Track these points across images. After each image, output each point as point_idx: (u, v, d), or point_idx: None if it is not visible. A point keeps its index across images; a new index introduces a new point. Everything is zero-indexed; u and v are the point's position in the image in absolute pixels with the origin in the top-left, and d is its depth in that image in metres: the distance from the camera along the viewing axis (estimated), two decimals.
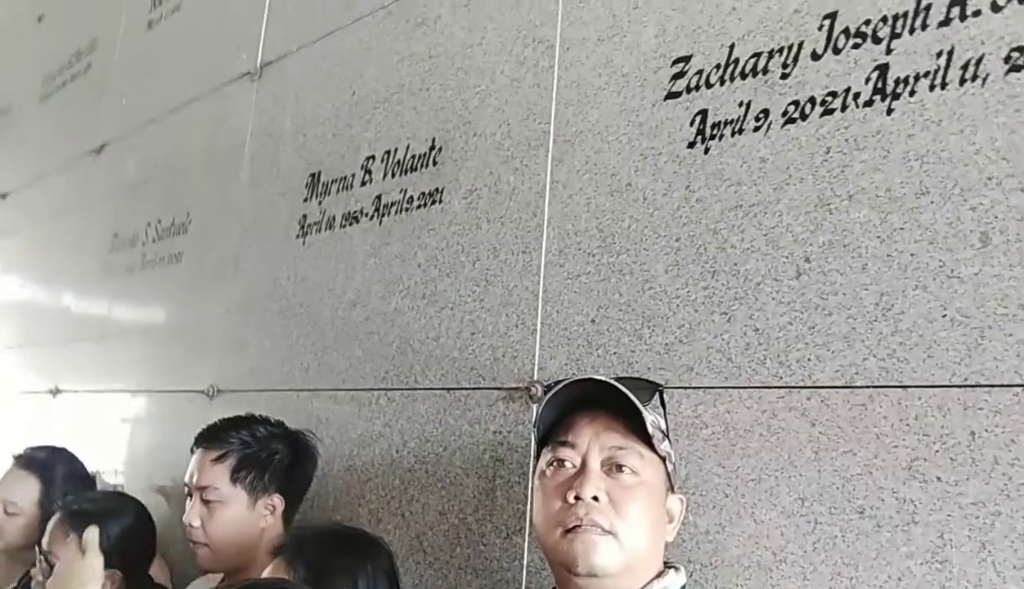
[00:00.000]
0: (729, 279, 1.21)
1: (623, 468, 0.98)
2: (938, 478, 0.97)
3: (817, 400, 1.09)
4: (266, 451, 1.57)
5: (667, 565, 1.03)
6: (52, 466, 2.09)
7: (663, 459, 1.02)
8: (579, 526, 0.94)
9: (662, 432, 1.03)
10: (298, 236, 2.06)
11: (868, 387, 1.05)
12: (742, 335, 1.18)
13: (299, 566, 1.25)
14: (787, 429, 1.10)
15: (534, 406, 1.43)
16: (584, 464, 0.99)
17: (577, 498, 0.95)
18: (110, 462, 2.52)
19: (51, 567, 1.56)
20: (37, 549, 1.64)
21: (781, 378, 1.13)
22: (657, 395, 1.09)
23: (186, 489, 1.55)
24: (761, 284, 1.17)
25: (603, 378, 1.01)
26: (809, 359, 1.11)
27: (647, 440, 0.98)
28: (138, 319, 2.69)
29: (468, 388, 1.56)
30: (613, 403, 1.00)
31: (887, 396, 1.03)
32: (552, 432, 1.05)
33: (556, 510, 0.97)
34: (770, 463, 1.11)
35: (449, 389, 1.60)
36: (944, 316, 1.00)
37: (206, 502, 1.50)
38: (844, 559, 1.02)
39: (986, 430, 0.95)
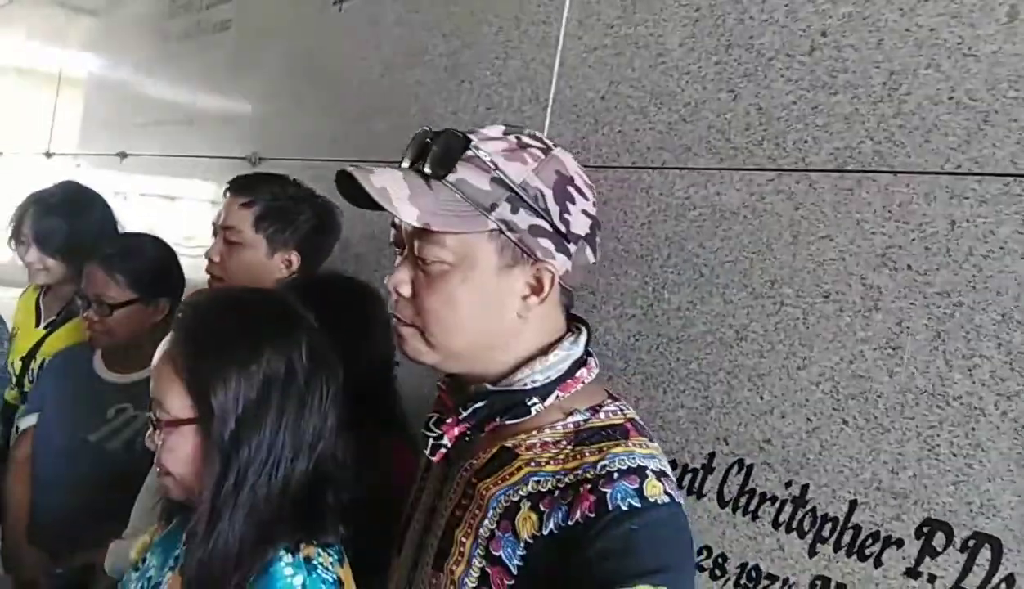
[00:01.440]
0: (742, 53, 1.14)
1: (425, 260, 0.83)
2: (909, 266, 0.94)
3: (806, 184, 1.05)
4: (292, 208, 1.63)
5: (575, 328, 0.90)
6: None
7: (498, 231, 0.82)
8: (396, 319, 0.88)
9: (512, 190, 0.81)
10: (335, 2, 2.02)
11: (858, 171, 1.00)
12: (744, 114, 1.13)
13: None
14: (771, 212, 1.08)
15: None
16: (408, 251, 0.87)
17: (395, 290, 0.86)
18: (160, 221, 2.67)
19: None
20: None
21: (775, 160, 1.08)
22: (475, 149, 0.83)
23: (213, 228, 1.64)
24: (773, 60, 1.10)
25: (351, 170, 0.81)
26: (806, 141, 1.06)
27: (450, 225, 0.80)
28: (186, 86, 2.74)
29: None
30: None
31: (875, 181, 0.98)
32: None
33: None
34: (749, 245, 1.10)
35: None
36: (951, 98, 0.93)
37: (228, 242, 1.58)
38: (802, 339, 1.03)
39: (967, 220, 0.90)
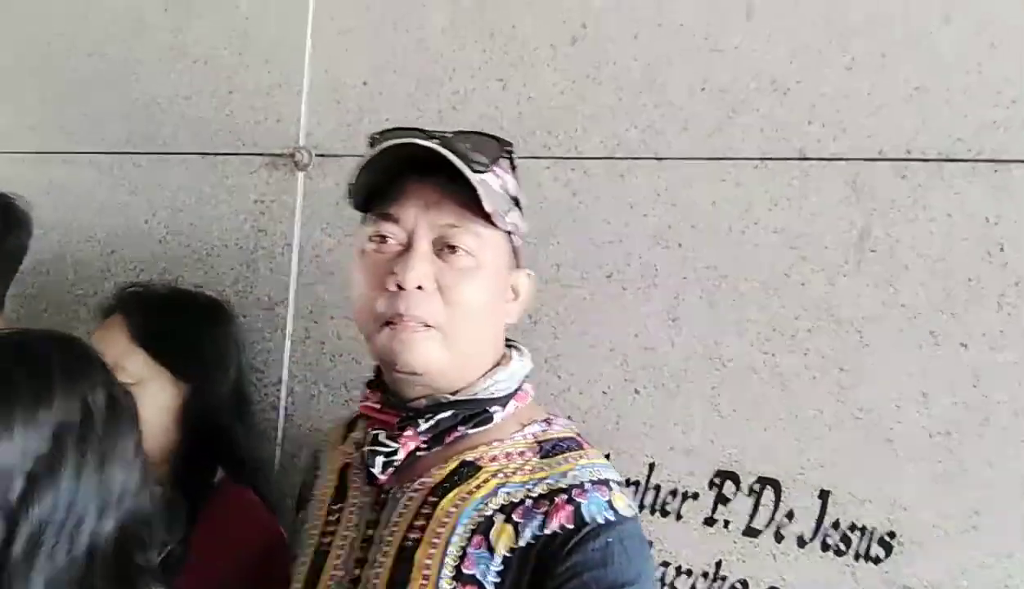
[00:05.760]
0: (507, 42, 1.15)
1: (456, 249, 0.80)
2: (679, 244, 1.04)
3: (580, 171, 1.10)
4: None
5: (509, 346, 0.89)
6: None
7: (509, 233, 0.85)
8: (400, 321, 0.79)
9: (512, 199, 0.85)
10: None
11: (627, 158, 1.07)
12: (515, 104, 1.15)
13: (136, 323, 1.15)
14: (551, 199, 1.12)
15: (300, 174, 1.34)
16: (410, 244, 0.81)
17: (400, 287, 0.79)
18: None
19: None
20: None
21: (549, 148, 1.12)
22: (507, 156, 0.87)
23: None
24: (538, 49, 1.13)
25: (426, 143, 0.79)
26: (576, 130, 1.11)
27: (486, 215, 0.79)
28: None
29: (226, 154, 1.42)
30: (447, 170, 0.79)
31: (643, 167, 1.06)
32: (374, 200, 0.85)
33: (375, 297, 0.81)
34: (531, 233, 1.12)
35: (204, 154, 1.45)
36: (703, 90, 1.03)
37: None
38: (591, 318, 1.09)
39: (726, 200, 1.01)
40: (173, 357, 1.15)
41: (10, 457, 0.74)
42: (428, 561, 0.78)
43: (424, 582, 0.77)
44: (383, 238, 0.82)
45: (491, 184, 0.82)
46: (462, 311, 0.80)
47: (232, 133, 1.41)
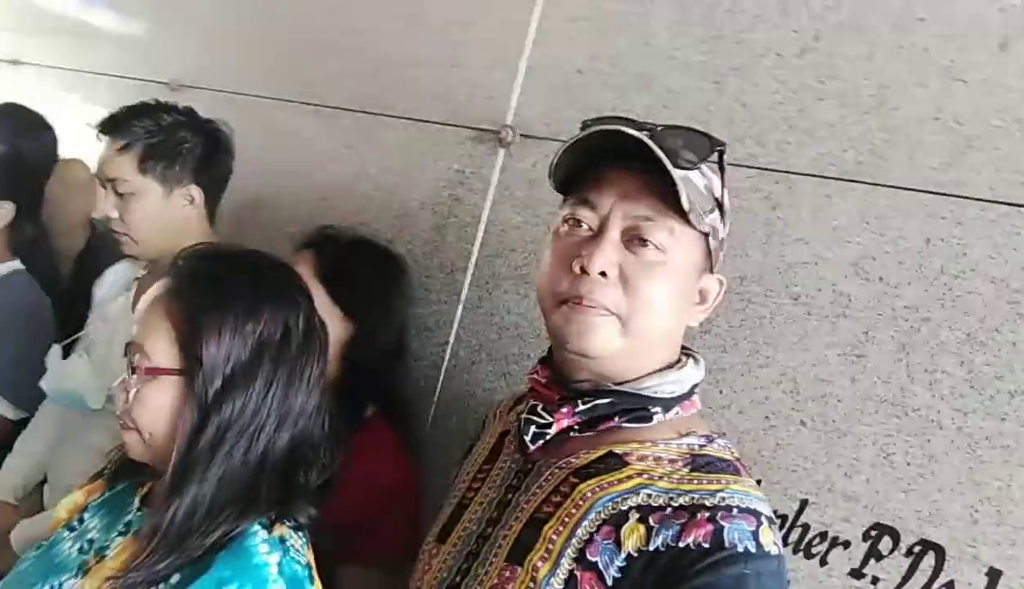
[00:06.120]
0: (732, 46, 1.13)
1: (647, 242, 0.79)
2: (880, 278, 0.97)
3: (785, 185, 1.06)
4: (173, 140, 1.48)
5: (685, 353, 0.88)
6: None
7: (706, 235, 0.82)
8: (579, 303, 0.80)
9: (715, 200, 0.83)
10: None
11: (839, 179, 1.01)
12: (728, 108, 1.12)
13: (323, 261, 1.26)
14: (747, 209, 1.08)
15: (501, 151, 1.39)
16: (602, 230, 0.81)
17: (583, 270, 0.79)
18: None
19: None
20: None
21: (756, 158, 1.09)
22: (718, 157, 0.84)
23: (99, 181, 1.50)
24: (763, 56, 1.10)
25: (635, 133, 0.77)
26: (788, 143, 1.06)
27: (683, 213, 0.77)
28: None
29: (439, 123, 1.50)
30: (651, 162, 0.77)
31: (854, 191, 1.00)
32: (575, 184, 0.85)
33: (559, 277, 0.82)
34: None
35: (418, 120, 1.53)
36: (937, 119, 0.96)
37: (119, 194, 1.45)
38: (767, 339, 1.04)
39: (942, 240, 0.94)
40: (347, 297, 1.24)
41: (215, 356, 0.83)
42: (555, 536, 0.78)
43: (546, 555, 0.78)
44: (577, 222, 0.83)
45: (695, 182, 0.80)
46: (641, 304, 0.79)
47: (447, 104, 1.49)
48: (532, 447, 0.84)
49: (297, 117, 1.76)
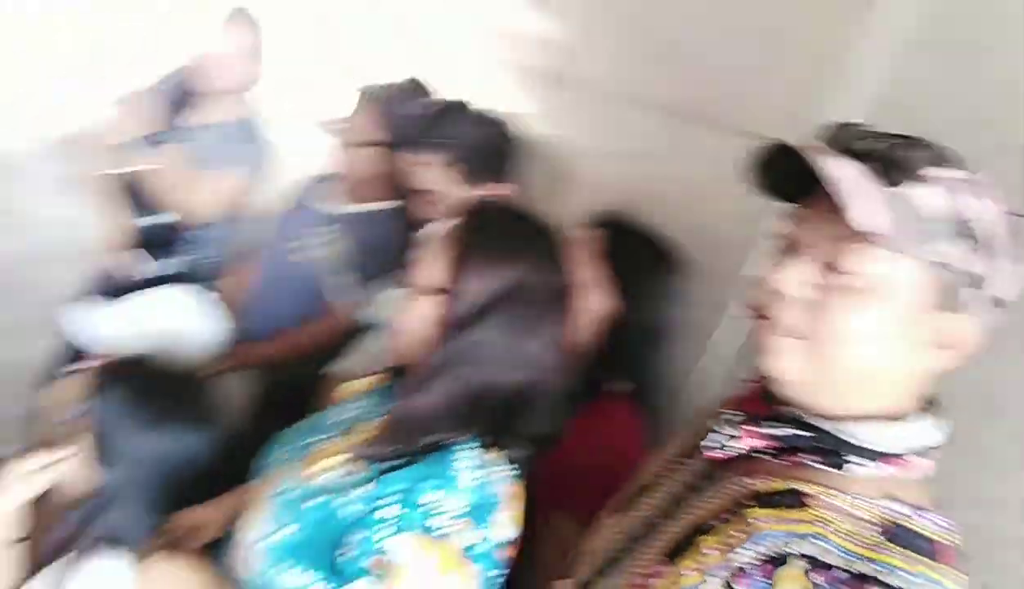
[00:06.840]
0: None
1: (844, 266, 0.72)
2: None
3: None
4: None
5: (927, 405, 0.78)
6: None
7: (937, 266, 0.71)
8: (766, 321, 0.77)
9: (954, 226, 0.70)
10: None
11: None
12: None
13: (605, 241, 1.41)
14: None
15: None
16: (797, 246, 0.76)
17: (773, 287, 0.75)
18: None
19: None
20: None
21: None
22: (941, 166, 0.71)
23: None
24: None
25: (798, 147, 0.71)
26: None
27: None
28: None
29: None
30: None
31: None
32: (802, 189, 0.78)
33: (760, 287, 0.79)
34: None
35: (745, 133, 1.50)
36: None
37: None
38: None
39: None
40: (616, 278, 1.35)
41: (474, 287, 0.97)
42: (707, 552, 0.78)
43: (696, 567, 0.77)
44: (782, 234, 0.79)
45: (913, 201, 0.69)
46: (833, 334, 0.72)
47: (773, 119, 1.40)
48: (712, 454, 0.83)
49: (645, 122, 1.72)
